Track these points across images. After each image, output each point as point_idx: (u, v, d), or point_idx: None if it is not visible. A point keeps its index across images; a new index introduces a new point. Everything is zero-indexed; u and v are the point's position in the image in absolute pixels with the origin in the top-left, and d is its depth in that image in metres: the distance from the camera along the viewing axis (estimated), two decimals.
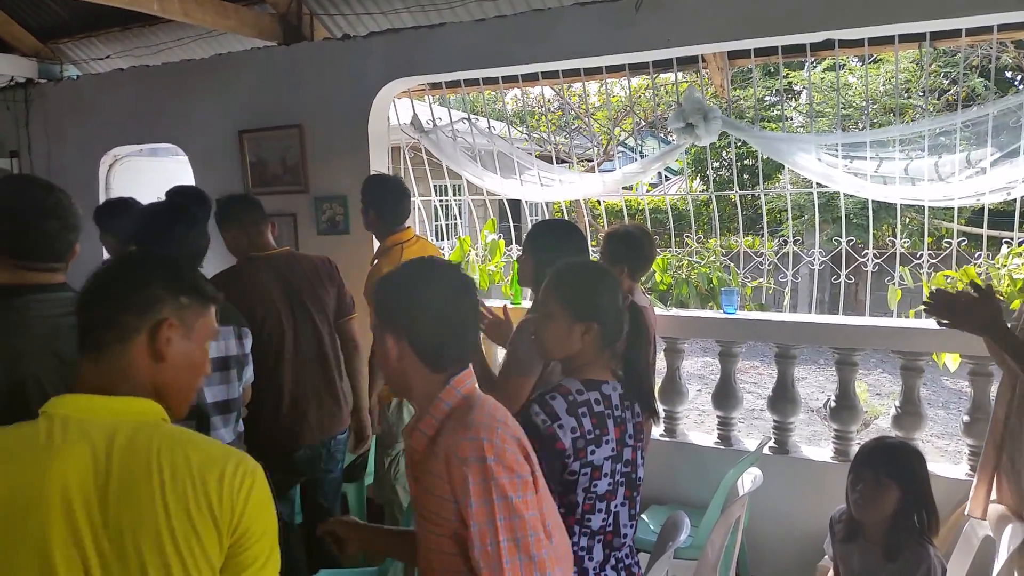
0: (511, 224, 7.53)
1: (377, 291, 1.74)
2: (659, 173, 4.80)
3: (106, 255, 4.02)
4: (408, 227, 3.86)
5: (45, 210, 1.94)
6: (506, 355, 2.69)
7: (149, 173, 5.92)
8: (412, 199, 4.12)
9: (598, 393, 2.01)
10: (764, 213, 4.50)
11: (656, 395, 3.26)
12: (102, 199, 5.69)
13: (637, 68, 4.59)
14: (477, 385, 1.76)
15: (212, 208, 3.37)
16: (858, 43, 4.01)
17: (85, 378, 1.33)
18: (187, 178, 5.20)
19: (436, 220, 6.42)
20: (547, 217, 6.11)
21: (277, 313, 3.19)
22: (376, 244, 4.18)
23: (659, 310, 4.06)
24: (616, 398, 2.04)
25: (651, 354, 3.06)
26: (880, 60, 10.50)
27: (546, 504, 1.68)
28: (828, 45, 3.92)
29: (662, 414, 3.98)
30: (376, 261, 3.81)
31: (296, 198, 4.86)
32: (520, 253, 2.89)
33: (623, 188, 4.68)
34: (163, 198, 3.25)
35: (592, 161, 8.26)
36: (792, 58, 4.33)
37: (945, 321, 2.50)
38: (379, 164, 4.70)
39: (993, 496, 2.69)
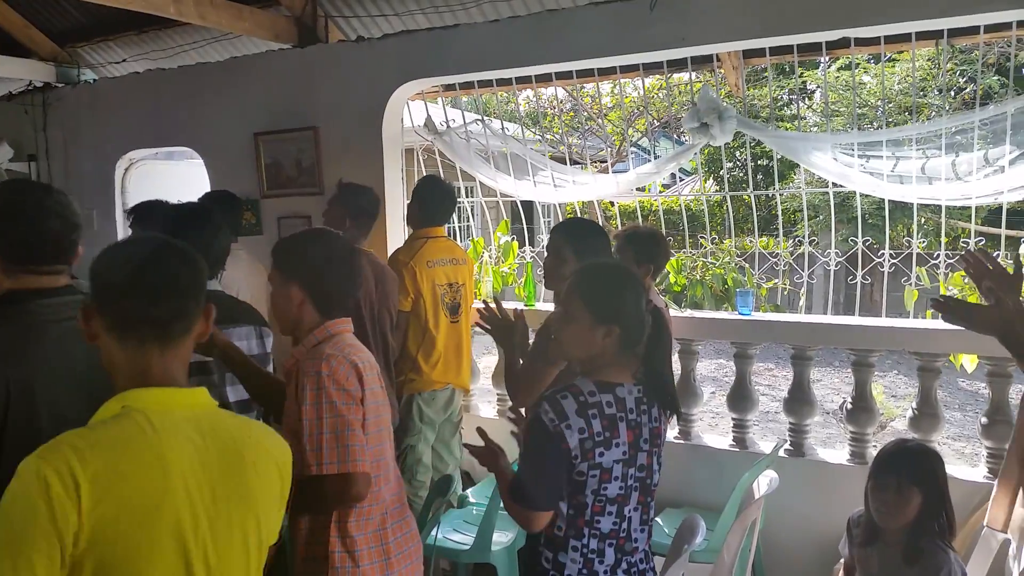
0: (523, 226, 7.50)
1: (289, 252, 2.23)
2: (672, 174, 4.79)
3: None
4: (442, 228, 3.96)
5: (46, 210, 1.90)
6: (532, 345, 2.70)
7: (164, 176, 5.96)
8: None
9: (611, 395, 2.00)
10: (780, 213, 4.47)
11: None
12: (118, 203, 5.75)
13: (651, 68, 4.58)
14: (348, 331, 2.21)
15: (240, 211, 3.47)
16: (874, 41, 3.99)
17: (152, 370, 1.38)
18: (202, 181, 5.23)
19: (449, 222, 6.42)
20: (560, 219, 6.10)
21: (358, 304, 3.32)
22: (390, 247, 4.22)
23: (673, 311, 4.04)
24: (632, 401, 2.02)
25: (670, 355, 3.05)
26: (895, 59, 10.44)
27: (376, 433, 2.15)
28: (844, 43, 3.89)
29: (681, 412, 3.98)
30: (397, 248, 3.94)
31: (311, 200, 4.87)
32: (553, 254, 2.82)
33: (636, 189, 4.67)
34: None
35: (605, 162, 8.25)
36: (807, 57, 4.31)
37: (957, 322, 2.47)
38: (393, 165, 4.71)
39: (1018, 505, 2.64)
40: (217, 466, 1.35)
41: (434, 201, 3.89)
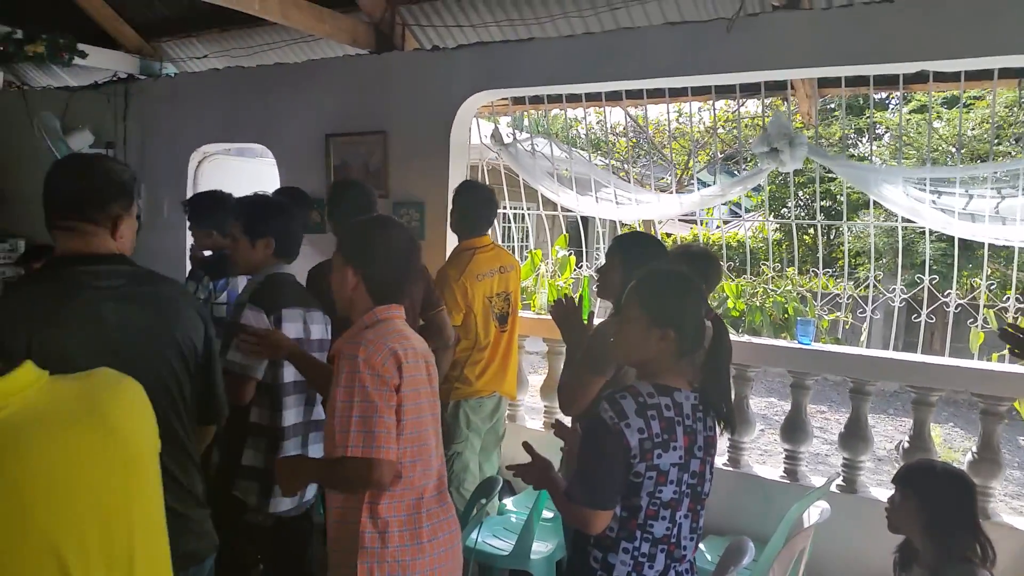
0: (582, 244, 7.49)
1: (350, 235, 2.28)
2: (732, 211, 4.75)
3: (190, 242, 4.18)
4: (487, 235, 3.91)
5: (73, 168, 1.98)
6: (584, 352, 2.70)
7: (235, 172, 6.09)
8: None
9: (669, 399, 1.99)
10: (845, 242, 4.39)
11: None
12: (190, 194, 5.90)
13: (723, 91, 4.57)
14: (398, 317, 2.25)
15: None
16: (954, 77, 3.93)
17: None
18: (272, 178, 5.34)
19: (510, 241, 6.46)
20: None
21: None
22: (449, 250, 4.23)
23: (731, 336, 3.99)
24: (688, 407, 2.01)
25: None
26: (970, 104, 10.24)
27: (413, 421, 2.15)
28: (922, 78, 3.85)
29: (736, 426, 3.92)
30: (445, 263, 3.88)
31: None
32: (603, 264, 2.88)
33: (693, 221, 4.64)
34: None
35: (667, 190, 8.22)
36: (883, 90, 4.26)
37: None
38: (458, 174, 4.76)
39: None
40: (79, 439, 1.14)
41: (475, 209, 3.85)
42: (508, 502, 4.03)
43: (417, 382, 2.19)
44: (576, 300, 3.00)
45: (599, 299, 3.63)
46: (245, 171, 6.12)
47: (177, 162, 5.92)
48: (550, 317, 3.04)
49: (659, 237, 8.51)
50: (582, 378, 2.65)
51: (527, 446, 2.27)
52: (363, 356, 2.08)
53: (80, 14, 6.16)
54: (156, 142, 6.04)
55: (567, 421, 2.84)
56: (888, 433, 8.98)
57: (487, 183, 5.66)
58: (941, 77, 3.95)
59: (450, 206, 3.96)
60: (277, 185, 5.08)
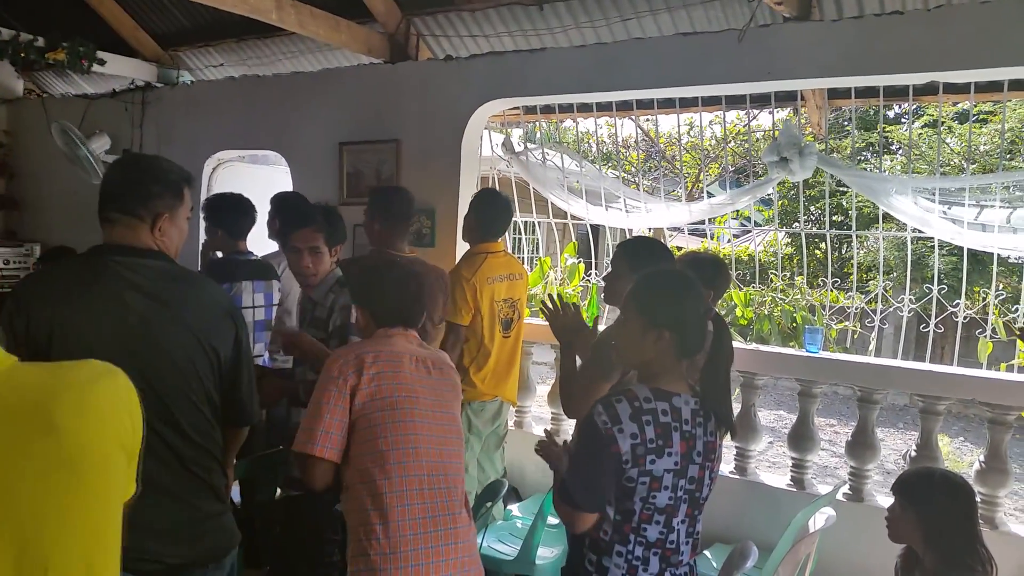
0: (592, 250, 7.51)
1: (355, 282, 2.59)
2: (743, 225, 4.76)
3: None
4: (500, 242, 3.96)
5: (123, 164, 2.10)
6: (590, 356, 2.72)
7: (250, 178, 6.15)
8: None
9: (667, 404, 1.97)
10: (855, 252, 4.40)
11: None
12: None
13: (734, 102, 4.60)
14: (396, 335, 2.35)
15: None
16: (964, 89, 3.94)
17: None
18: (285, 185, 5.39)
19: (520, 252, 6.48)
20: None
21: None
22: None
23: (738, 344, 4.00)
24: (688, 412, 2.00)
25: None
26: (983, 119, 10.23)
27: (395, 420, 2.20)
28: (932, 90, 3.86)
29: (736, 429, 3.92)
30: (458, 263, 3.93)
31: None
32: (611, 270, 2.89)
33: (704, 235, 4.66)
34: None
35: (678, 201, 8.24)
36: (893, 100, 4.27)
37: None
38: (469, 181, 4.80)
39: None
40: (12, 434, 1.07)
41: (492, 214, 3.91)
42: (514, 507, 4.04)
43: (386, 378, 2.23)
44: (557, 299, 2.98)
45: (607, 306, 3.64)
46: (259, 178, 6.18)
47: (192, 168, 5.85)
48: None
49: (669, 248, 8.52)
50: (587, 383, 2.66)
51: (548, 433, 2.36)
52: (327, 362, 2.27)
53: (100, 22, 6.25)
54: (172, 149, 6.08)
55: (569, 429, 2.87)
56: (897, 447, 8.93)
57: None
58: (951, 89, 3.97)
59: (466, 211, 4.00)
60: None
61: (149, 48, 6.54)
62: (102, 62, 5.96)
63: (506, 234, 5.90)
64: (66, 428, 1.09)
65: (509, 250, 5.69)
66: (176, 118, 6.10)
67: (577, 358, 2.85)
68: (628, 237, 6.44)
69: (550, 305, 2.91)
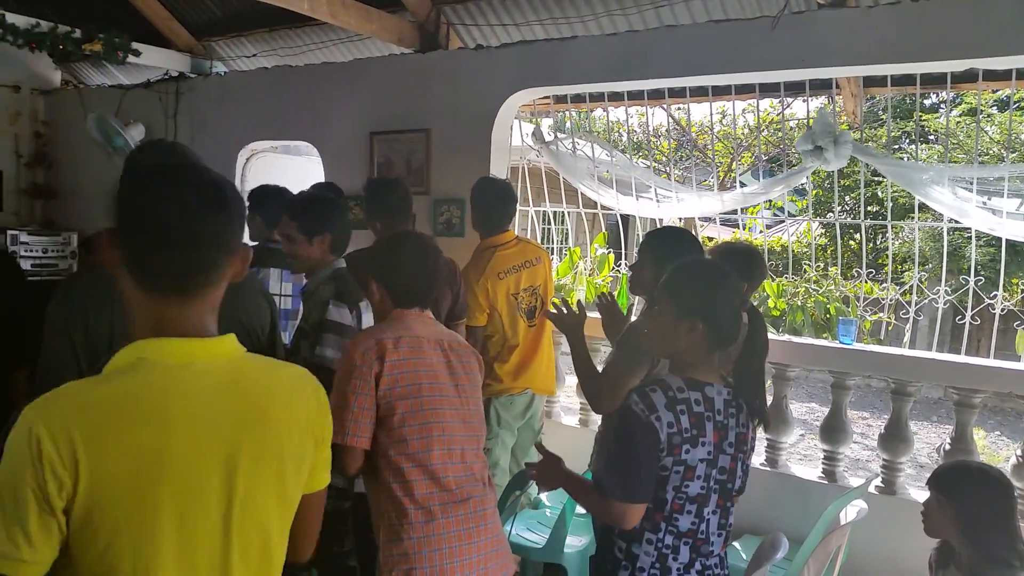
0: (621, 241, 7.48)
1: (371, 253, 2.44)
2: (775, 214, 4.71)
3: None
4: (508, 231, 3.88)
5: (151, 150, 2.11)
6: (615, 352, 2.71)
7: (282, 168, 6.20)
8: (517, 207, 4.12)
9: (700, 394, 1.98)
10: (890, 242, 4.33)
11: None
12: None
13: (767, 90, 4.54)
14: (411, 315, 2.32)
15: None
16: (1004, 75, 3.86)
17: (171, 321, 1.27)
18: (317, 175, 5.44)
19: (550, 243, 6.47)
20: None
21: None
22: None
23: (771, 335, 3.97)
24: (720, 403, 2.00)
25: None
26: (1022, 107, 10.01)
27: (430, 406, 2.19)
28: (971, 76, 3.79)
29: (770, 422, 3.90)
30: (466, 264, 3.86)
31: (417, 199, 4.97)
32: (636, 260, 2.88)
33: (735, 225, 4.62)
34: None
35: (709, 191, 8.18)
36: (930, 89, 4.20)
37: None
38: (499, 171, 4.79)
39: None
40: (235, 420, 1.23)
41: (490, 205, 3.83)
42: (543, 496, 4.04)
43: (408, 364, 2.21)
44: (611, 295, 3.02)
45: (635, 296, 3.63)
46: (291, 168, 6.23)
47: (226, 159, 6.02)
48: (595, 316, 3.08)
49: (698, 239, 8.49)
50: (613, 377, 2.66)
51: (539, 445, 2.31)
52: (348, 348, 2.21)
53: (134, 13, 6.33)
54: (205, 139, 6.15)
55: (597, 420, 2.87)
56: (931, 440, 8.82)
57: (526, 183, 5.71)
58: (991, 76, 3.89)
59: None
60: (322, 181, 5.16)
61: (182, 39, 6.61)
62: (137, 53, 6.03)
63: (534, 223, 5.93)
64: (276, 419, 1.28)
65: (537, 240, 5.69)
66: (209, 108, 6.16)
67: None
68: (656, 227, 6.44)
69: (559, 309, 2.97)
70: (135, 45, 6.01)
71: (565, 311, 3.02)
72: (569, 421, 4.74)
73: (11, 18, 5.41)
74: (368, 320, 2.73)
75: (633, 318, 4.23)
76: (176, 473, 1.16)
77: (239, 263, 1.30)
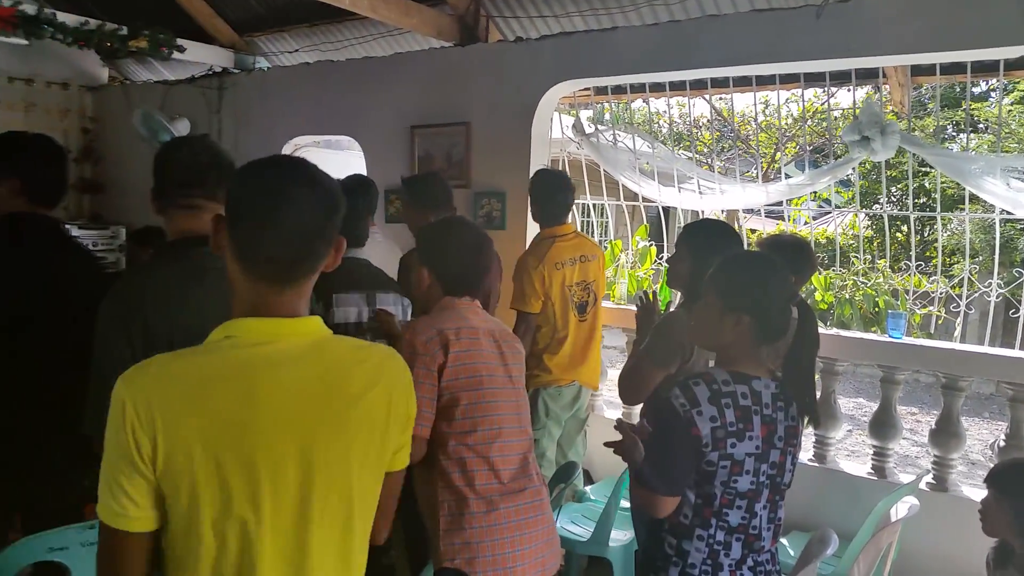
0: (664, 234, 7.42)
1: (422, 237, 2.44)
2: (821, 206, 4.64)
3: None
4: (567, 223, 3.90)
5: (184, 147, 2.05)
6: (648, 342, 2.68)
7: (325, 163, 6.15)
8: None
9: (747, 387, 1.95)
10: (940, 234, 4.24)
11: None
12: None
13: (812, 80, 4.46)
14: (464, 305, 2.30)
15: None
16: None
17: (267, 303, 1.35)
18: (359, 169, 5.45)
19: (590, 236, 6.43)
20: None
21: None
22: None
23: (820, 330, 3.90)
24: (768, 396, 1.97)
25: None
26: None
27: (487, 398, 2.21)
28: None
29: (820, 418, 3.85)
30: (526, 250, 3.90)
31: (457, 192, 4.97)
32: (674, 253, 2.85)
33: (780, 217, 4.55)
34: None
35: (753, 183, 8.06)
36: (981, 77, 4.10)
37: None
38: (540, 164, 4.77)
39: None
40: (318, 398, 1.30)
41: (548, 197, 3.85)
42: (588, 489, 4.03)
43: (471, 356, 2.22)
44: (651, 295, 2.98)
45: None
46: (335, 162, 6.28)
47: (270, 154, 6.08)
48: (633, 308, 3.04)
49: (742, 232, 8.41)
50: (643, 369, 2.64)
51: (620, 424, 2.29)
52: (408, 336, 2.19)
53: (179, 11, 6.41)
54: (249, 134, 6.23)
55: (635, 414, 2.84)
56: (983, 437, 8.64)
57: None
58: None
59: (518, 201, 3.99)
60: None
61: (225, 35, 6.69)
62: (181, 49, 6.11)
63: (575, 215, 5.90)
64: (359, 396, 1.34)
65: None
66: (252, 104, 6.23)
67: None
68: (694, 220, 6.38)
69: (643, 302, 2.92)
70: (179, 41, 6.09)
71: (644, 301, 2.97)
72: (612, 415, 4.72)
73: (61, 16, 5.51)
74: (341, 314, 2.75)
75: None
76: (254, 441, 1.23)
77: (334, 252, 1.37)
